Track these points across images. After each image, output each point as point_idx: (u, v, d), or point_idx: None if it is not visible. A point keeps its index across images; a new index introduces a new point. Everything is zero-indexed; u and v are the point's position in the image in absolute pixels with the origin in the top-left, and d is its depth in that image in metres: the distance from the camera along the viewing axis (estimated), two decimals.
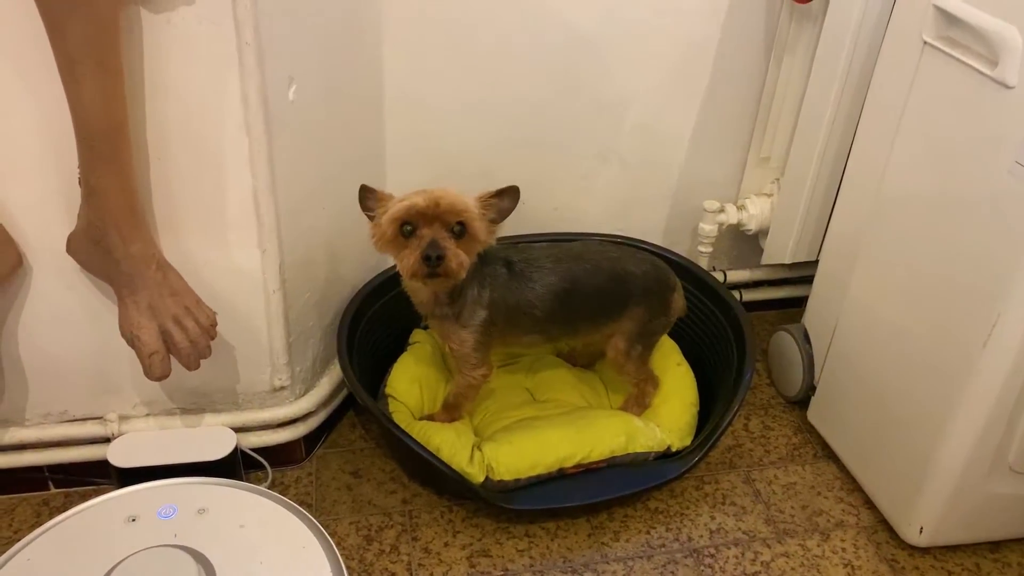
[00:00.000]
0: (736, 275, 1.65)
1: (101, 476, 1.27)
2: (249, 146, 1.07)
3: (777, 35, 1.42)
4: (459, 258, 1.09)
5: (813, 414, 1.44)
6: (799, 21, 1.38)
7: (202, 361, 1.13)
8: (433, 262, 1.08)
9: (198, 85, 1.03)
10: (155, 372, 1.06)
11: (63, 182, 1.04)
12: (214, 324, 1.11)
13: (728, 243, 1.63)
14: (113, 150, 0.97)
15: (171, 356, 1.09)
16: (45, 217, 1.08)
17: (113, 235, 1.02)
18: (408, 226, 1.10)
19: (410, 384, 1.37)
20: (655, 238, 1.56)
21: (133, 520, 1.00)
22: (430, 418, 1.33)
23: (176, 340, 1.07)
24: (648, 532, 1.27)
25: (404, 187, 1.14)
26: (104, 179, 0.99)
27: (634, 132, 1.48)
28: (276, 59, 1.06)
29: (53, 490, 1.30)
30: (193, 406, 1.28)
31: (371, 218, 1.14)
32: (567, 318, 1.26)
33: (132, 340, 1.06)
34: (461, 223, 1.10)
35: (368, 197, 1.13)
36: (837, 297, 1.33)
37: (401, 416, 1.32)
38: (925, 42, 1.10)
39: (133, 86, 1.00)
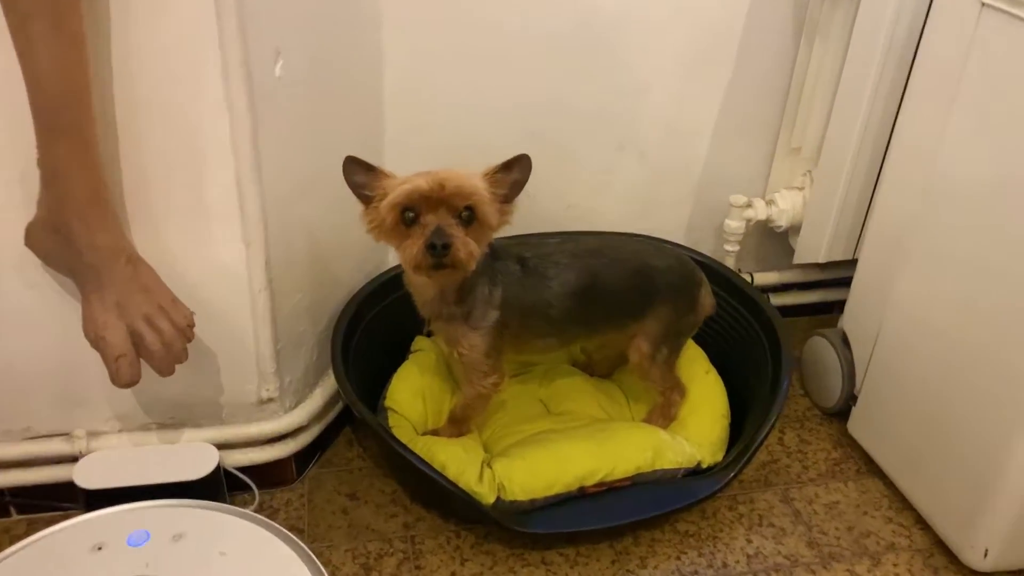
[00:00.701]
0: (764, 277, 1.54)
1: (69, 500, 1.15)
2: (231, 125, 0.97)
3: (808, 13, 1.32)
4: (468, 247, 0.98)
5: (854, 426, 1.32)
6: None
7: (182, 369, 1.02)
8: (439, 251, 0.96)
9: (173, 54, 0.92)
10: (122, 377, 0.94)
11: (22, 164, 0.92)
12: (191, 325, 0.99)
13: (755, 242, 1.52)
14: (74, 124, 0.86)
15: (142, 360, 0.97)
16: (1, 205, 0.96)
17: (76, 223, 0.91)
18: (410, 212, 0.98)
19: (412, 396, 1.26)
20: (677, 237, 1.45)
21: (99, 548, 0.90)
22: (434, 433, 1.22)
23: (147, 342, 0.95)
24: (678, 558, 1.14)
25: (402, 174, 1.02)
26: (64, 159, 0.87)
27: (653, 122, 1.38)
28: (260, 29, 0.96)
29: (15, 516, 1.18)
30: (171, 420, 1.15)
31: (362, 199, 1.02)
32: (586, 318, 1.15)
33: (97, 341, 0.94)
34: (469, 208, 0.98)
35: (357, 172, 1.00)
36: (880, 298, 1.22)
37: (402, 431, 1.20)
38: (983, 3, 0.99)
39: (99, 53, 0.89)
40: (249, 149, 0.99)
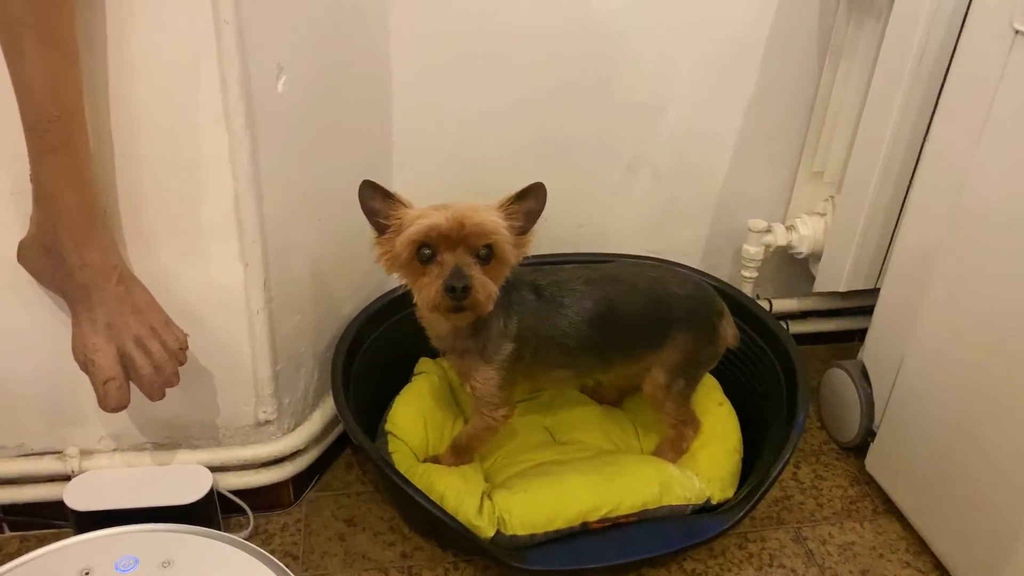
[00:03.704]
0: (782, 304, 1.49)
1: (61, 518, 1.12)
2: (229, 142, 0.94)
3: (834, 33, 1.27)
4: (487, 289, 0.94)
5: (872, 463, 1.27)
6: (859, 17, 1.23)
7: (178, 390, 0.99)
8: (458, 294, 0.92)
9: (170, 68, 0.89)
10: (110, 402, 0.91)
11: (16, 180, 0.90)
12: (184, 348, 0.96)
13: (773, 268, 1.47)
14: (65, 140, 0.83)
15: (132, 383, 0.94)
16: None
17: (66, 241, 0.88)
18: (427, 250, 0.94)
19: (414, 420, 1.22)
20: (693, 260, 1.40)
21: (87, 574, 0.86)
22: (435, 460, 1.17)
23: (138, 365, 0.92)
24: None
25: (411, 198, 0.99)
26: (54, 175, 0.85)
27: (670, 141, 1.34)
28: (262, 43, 0.93)
29: (7, 533, 1.16)
30: (166, 441, 1.13)
31: (376, 227, 0.98)
32: (602, 349, 1.11)
33: (85, 364, 0.91)
34: (489, 246, 0.94)
35: (374, 197, 0.96)
36: (903, 330, 1.17)
37: (402, 457, 1.16)
38: (1017, 31, 0.94)
39: (93, 66, 0.86)
40: (248, 166, 0.96)
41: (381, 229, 0.98)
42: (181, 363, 0.96)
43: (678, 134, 1.33)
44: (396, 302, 1.24)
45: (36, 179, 0.86)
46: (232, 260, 1.00)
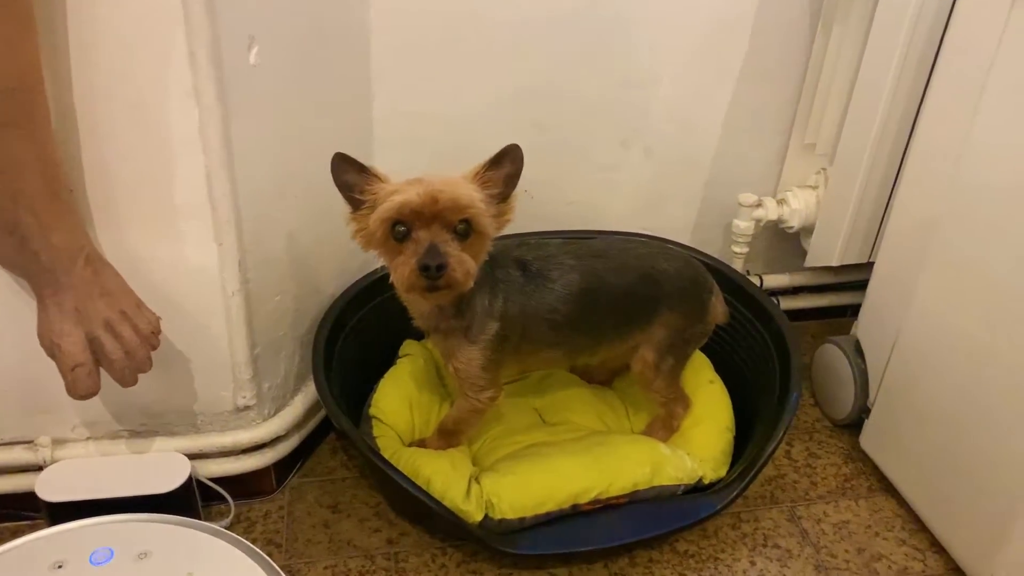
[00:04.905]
0: (773, 280, 1.46)
1: (34, 511, 1.09)
2: (199, 117, 0.90)
3: (825, 1, 1.23)
4: (465, 265, 0.90)
5: (867, 440, 1.25)
6: None
7: (153, 376, 0.96)
8: (433, 272, 0.88)
9: (135, 39, 0.85)
10: (79, 389, 0.88)
11: None
12: (156, 331, 0.93)
13: (764, 243, 1.44)
14: (23, 114, 0.79)
15: (103, 370, 0.90)
16: None
17: (29, 222, 0.84)
18: (401, 227, 0.90)
19: (399, 404, 1.19)
20: (683, 237, 1.37)
21: (59, 567, 0.84)
22: (422, 444, 1.14)
23: (107, 350, 0.88)
24: None
25: (394, 175, 0.95)
26: (13, 151, 0.81)
27: (660, 116, 1.30)
28: (232, 13, 0.89)
29: None
30: (142, 428, 1.09)
31: (351, 202, 0.94)
32: (591, 326, 1.08)
33: (52, 350, 0.88)
34: (465, 220, 0.90)
35: (347, 171, 0.92)
36: (898, 305, 1.14)
37: (388, 442, 1.13)
38: None
39: (54, 37, 0.82)
40: (220, 143, 0.92)
41: (356, 204, 0.94)
42: (154, 347, 0.92)
43: (669, 110, 1.29)
44: (380, 282, 1.20)
45: None
46: (205, 240, 0.97)
